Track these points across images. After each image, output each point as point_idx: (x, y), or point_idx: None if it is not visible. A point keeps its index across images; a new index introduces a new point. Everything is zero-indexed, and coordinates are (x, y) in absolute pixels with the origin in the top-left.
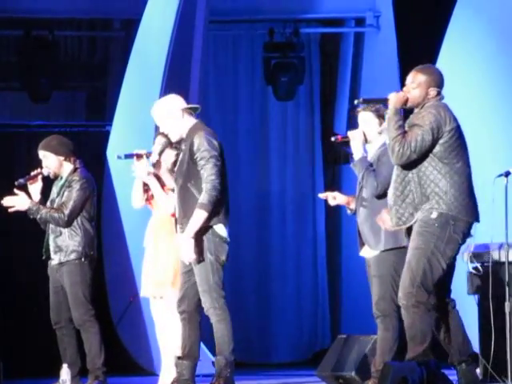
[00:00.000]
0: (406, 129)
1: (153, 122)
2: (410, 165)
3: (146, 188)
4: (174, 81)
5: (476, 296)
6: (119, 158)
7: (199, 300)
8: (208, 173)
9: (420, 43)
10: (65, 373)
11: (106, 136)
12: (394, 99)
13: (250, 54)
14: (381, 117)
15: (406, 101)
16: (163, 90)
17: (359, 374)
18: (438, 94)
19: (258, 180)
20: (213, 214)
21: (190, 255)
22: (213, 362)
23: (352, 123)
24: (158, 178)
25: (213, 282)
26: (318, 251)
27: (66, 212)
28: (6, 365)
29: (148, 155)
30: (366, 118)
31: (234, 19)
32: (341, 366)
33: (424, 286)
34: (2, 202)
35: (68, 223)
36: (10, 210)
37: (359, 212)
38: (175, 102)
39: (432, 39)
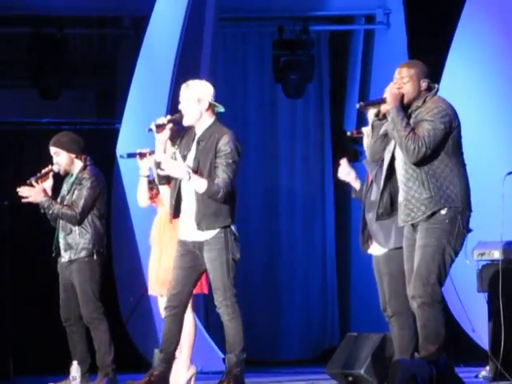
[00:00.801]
0: (412, 125)
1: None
2: (422, 161)
3: (151, 186)
4: (184, 78)
5: (486, 294)
6: (121, 157)
7: (190, 297)
8: (227, 174)
9: (430, 40)
10: (74, 370)
11: (115, 134)
12: (391, 98)
13: (259, 51)
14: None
15: (403, 97)
16: (172, 87)
17: (368, 372)
18: (429, 84)
19: (268, 178)
20: (231, 213)
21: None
22: (223, 360)
23: (361, 121)
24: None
25: (227, 280)
26: (327, 249)
27: (78, 210)
28: (15, 361)
29: (151, 153)
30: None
31: (243, 17)
32: (350, 364)
33: (439, 282)
34: (18, 190)
35: (80, 221)
36: (23, 200)
37: (368, 208)
38: (210, 91)
39: (442, 36)
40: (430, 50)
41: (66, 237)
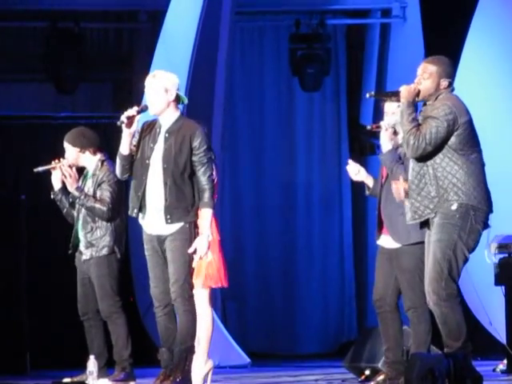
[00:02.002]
0: (420, 121)
1: None
2: (425, 157)
3: None
4: (200, 72)
5: (503, 287)
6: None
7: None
8: (209, 172)
9: (446, 34)
10: (92, 364)
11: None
12: (405, 92)
13: (276, 45)
14: (397, 100)
15: (418, 93)
16: (189, 81)
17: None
18: (450, 84)
19: (285, 171)
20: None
21: (205, 250)
22: (160, 353)
23: (378, 114)
24: None
25: (187, 272)
26: (344, 243)
27: (108, 206)
28: (32, 355)
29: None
30: (393, 109)
31: (260, 10)
32: (367, 358)
33: (451, 277)
34: (62, 168)
35: (110, 217)
36: (54, 180)
37: (385, 203)
38: (177, 82)
39: (458, 30)
40: (445, 43)
41: (86, 235)
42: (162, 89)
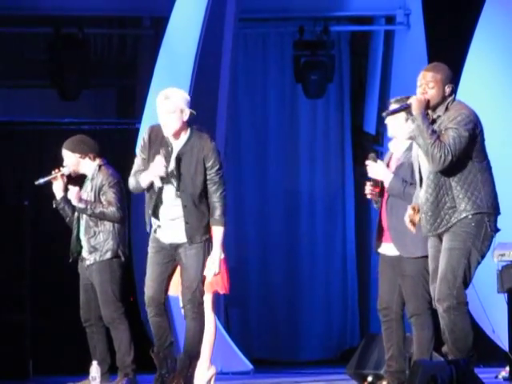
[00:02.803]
0: (436, 130)
1: None
2: (447, 169)
3: None
4: (204, 79)
5: (506, 295)
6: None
7: (167, 292)
8: (221, 189)
9: (450, 41)
10: (94, 370)
11: (135, 134)
12: (417, 105)
13: (279, 52)
14: (409, 113)
15: (428, 103)
16: (192, 87)
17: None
18: (453, 89)
19: (288, 178)
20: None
21: (217, 270)
22: (176, 359)
23: (381, 121)
24: None
25: (200, 280)
26: (347, 249)
27: (116, 206)
28: (35, 361)
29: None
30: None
31: (263, 17)
32: (370, 364)
33: (465, 286)
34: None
35: (121, 217)
36: (56, 190)
37: (390, 214)
38: (188, 100)
39: (462, 37)
40: (449, 51)
41: (89, 240)
42: (178, 110)
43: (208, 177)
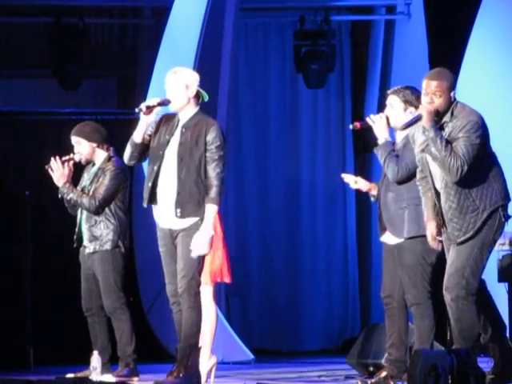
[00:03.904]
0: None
1: None
2: (462, 177)
3: None
4: (205, 68)
5: (506, 284)
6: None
7: None
8: (219, 169)
9: (450, 31)
10: (95, 360)
11: (135, 124)
12: (428, 117)
13: (280, 41)
14: (407, 102)
15: (437, 113)
16: None
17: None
18: (454, 93)
19: (289, 168)
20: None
21: (206, 250)
22: (175, 349)
23: (382, 111)
24: None
25: (196, 269)
26: (348, 239)
27: (99, 197)
28: (36, 351)
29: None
30: (391, 101)
31: (264, 7)
32: (370, 354)
33: (474, 276)
34: (50, 163)
35: (98, 210)
36: (49, 171)
37: (382, 197)
38: (197, 78)
39: (462, 27)
40: (449, 40)
41: (90, 228)
42: (183, 85)
43: (207, 153)
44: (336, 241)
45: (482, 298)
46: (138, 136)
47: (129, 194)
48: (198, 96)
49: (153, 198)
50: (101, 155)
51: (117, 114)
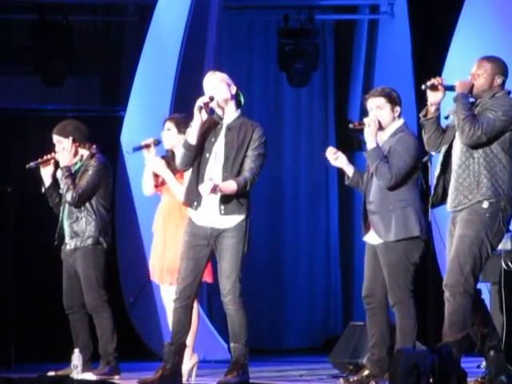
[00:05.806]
0: (476, 113)
1: (167, 107)
2: (475, 147)
3: (156, 174)
4: (189, 66)
5: (488, 284)
6: (128, 153)
7: (199, 288)
8: (256, 168)
9: (434, 31)
10: (76, 358)
11: (119, 121)
12: (460, 85)
13: (264, 40)
14: (392, 102)
15: (472, 88)
16: (178, 75)
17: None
18: (503, 82)
19: (272, 165)
20: (249, 206)
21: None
22: (228, 349)
23: (365, 109)
24: (169, 164)
25: (239, 270)
26: (330, 238)
27: (78, 190)
28: (17, 349)
29: (156, 143)
30: (379, 103)
31: (248, 5)
32: (352, 353)
33: (473, 274)
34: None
35: (77, 202)
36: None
37: (369, 199)
38: (232, 82)
39: (445, 27)
40: (433, 40)
41: (71, 224)
42: (224, 82)
43: (249, 150)
44: (318, 240)
45: (476, 304)
46: (192, 138)
47: (112, 191)
48: (237, 99)
49: (199, 202)
50: (83, 154)
51: (100, 111)
